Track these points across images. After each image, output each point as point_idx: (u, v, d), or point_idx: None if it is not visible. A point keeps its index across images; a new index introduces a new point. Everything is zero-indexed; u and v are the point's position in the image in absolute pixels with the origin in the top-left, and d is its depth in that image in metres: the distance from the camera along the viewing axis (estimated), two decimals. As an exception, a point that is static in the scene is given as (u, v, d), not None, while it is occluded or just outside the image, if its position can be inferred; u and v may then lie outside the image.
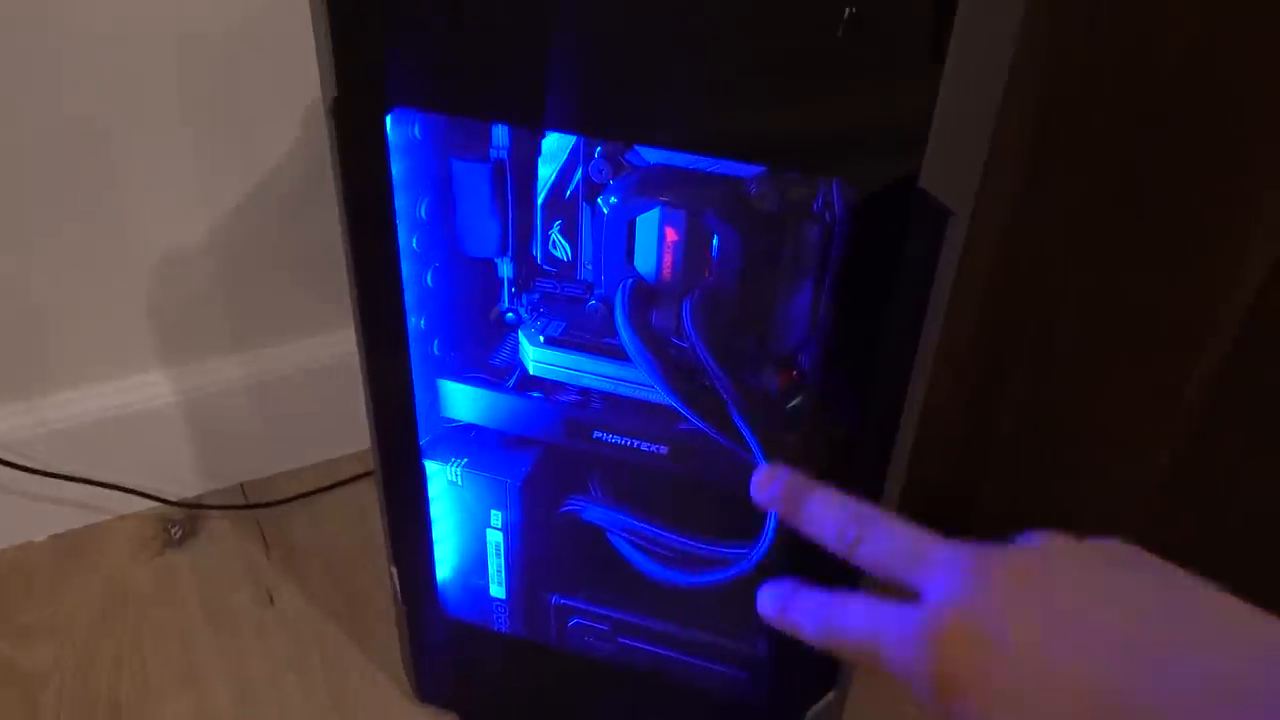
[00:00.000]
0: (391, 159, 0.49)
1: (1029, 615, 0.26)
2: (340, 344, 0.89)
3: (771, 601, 0.35)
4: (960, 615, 0.27)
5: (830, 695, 0.59)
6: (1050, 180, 0.63)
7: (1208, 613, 0.24)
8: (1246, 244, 0.55)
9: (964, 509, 0.75)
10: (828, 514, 0.35)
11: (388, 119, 0.47)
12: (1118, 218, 0.60)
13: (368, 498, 0.91)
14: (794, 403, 0.55)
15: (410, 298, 0.53)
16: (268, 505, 0.89)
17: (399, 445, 0.59)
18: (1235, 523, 0.64)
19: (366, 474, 0.92)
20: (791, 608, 0.34)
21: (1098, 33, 0.57)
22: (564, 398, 0.58)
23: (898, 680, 0.29)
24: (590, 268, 0.56)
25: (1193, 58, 0.53)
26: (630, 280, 0.52)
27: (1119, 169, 0.59)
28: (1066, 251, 0.65)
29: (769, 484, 0.37)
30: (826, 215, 0.50)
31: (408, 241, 0.53)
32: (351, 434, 0.93)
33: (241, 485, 0.92)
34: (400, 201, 0.50)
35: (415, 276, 0.54)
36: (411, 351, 0.55)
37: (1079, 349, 0.67)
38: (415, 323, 0.55)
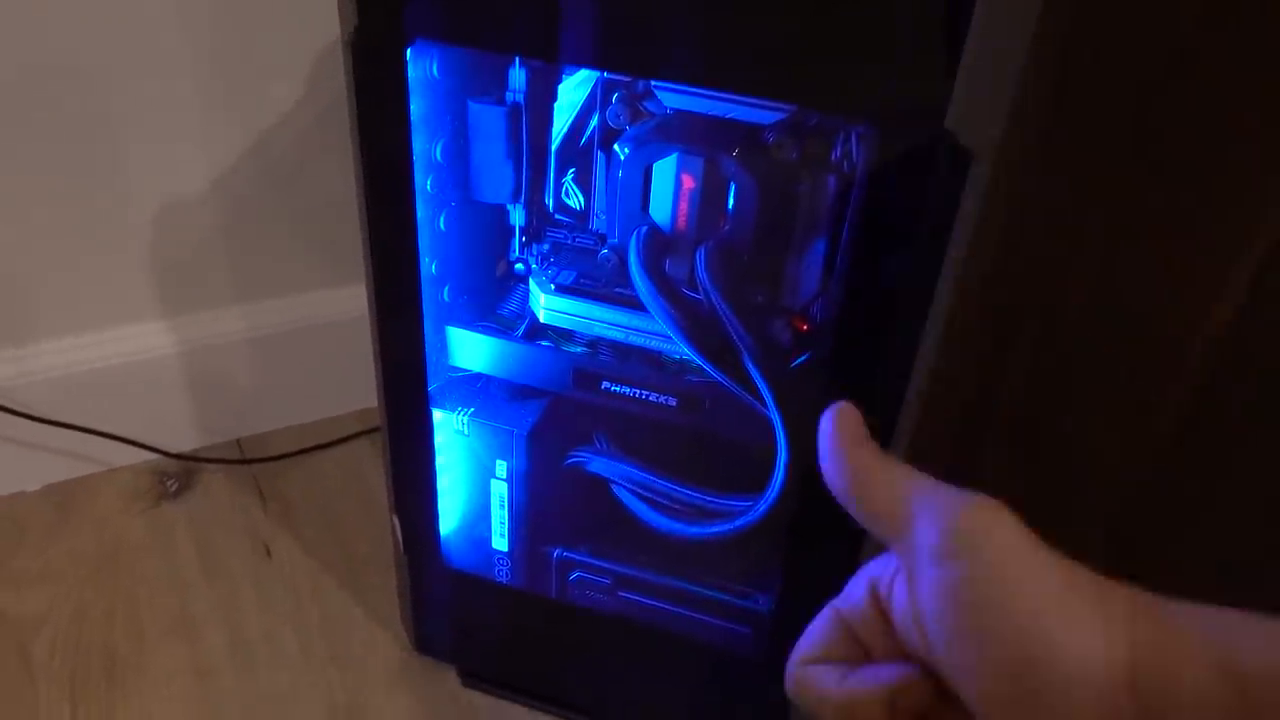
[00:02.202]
0: (410, 97, 0.48)
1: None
2: (342, 300, 0.89)
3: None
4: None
5: (831, 650, 0.60)
6: (1063, 143, 0.63)
7: None
8: (1260, 207, 0.56)
9: (963, 477, 0.76)
10: None
11: (408, 53, 0.46)
12: (1131, 180, 0.61)
13: (365, 456, 0.91)
14: (804, 357, 0.55)
15: (423, 241, 0.53)
16: (265, 460, 0.89)
17: (407, 391, 0.59)
18: (1235, 491, 0.65)
19: (364, 432, 0.92)
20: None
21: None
22: (573, 348, 0.58)
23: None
24: (603, 218, 0.56)
25: (1208, 21, 0.54)
26: (645, 227, 0.52)
27: (1134, 128, 0.59)
28: (1076, 220, 0.65)
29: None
30: (845, 165, 0.50)
31: (422, 183, 0.52)
32: (350, 392, 0.93)
33: (238, 441, 0.92)
34: (416, 142, 0.50)
35: (428, 219, 0.54)
36: (423, 296, 0.55)
37: (1084, 318, 0.67)
38: (427, 266, 0.55)
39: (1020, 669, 0.24)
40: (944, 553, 0.26)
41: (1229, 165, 0.56)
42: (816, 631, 0.32)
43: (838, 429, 0.31)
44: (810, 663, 0.31)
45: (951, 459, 0.76)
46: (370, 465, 0.90)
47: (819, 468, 0.31)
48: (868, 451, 0.30)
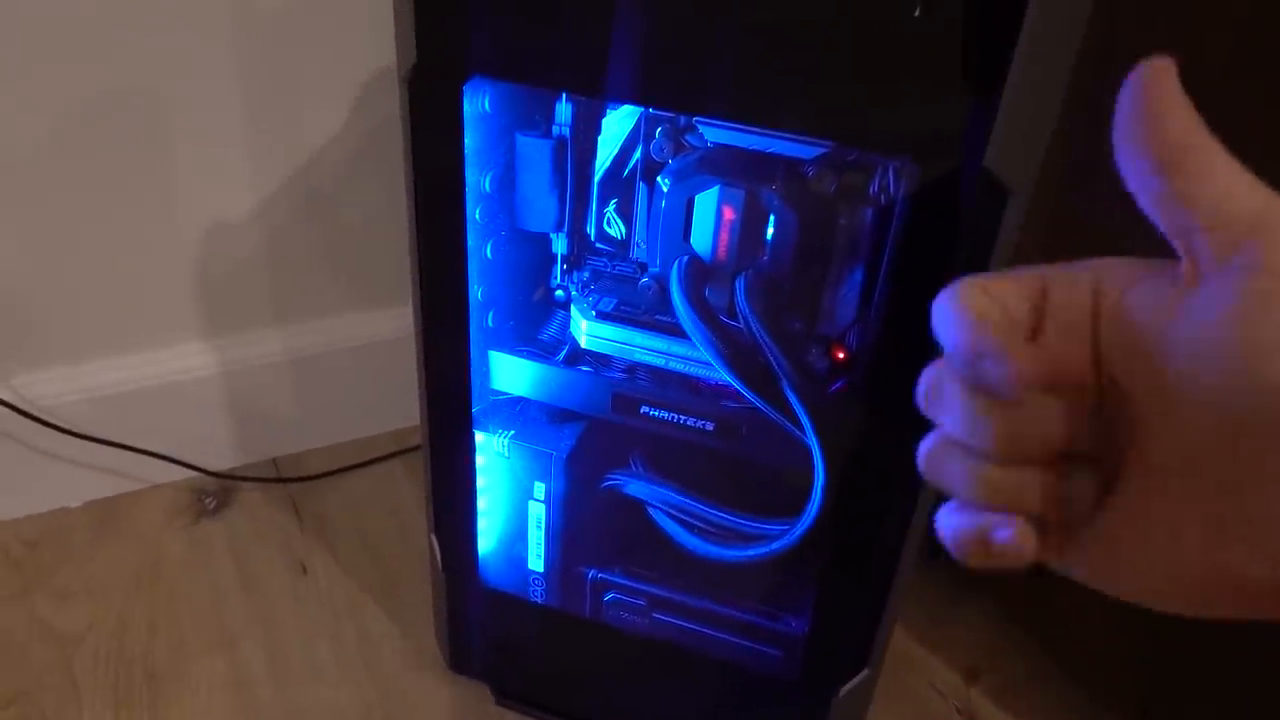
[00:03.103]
0: (464, 131, 0.50)
1: None
2: (378, 323, 0.91)
3: None
4: None
5: (863, 674, 0.61)
6: (1099, 173, 0.64)
7: None
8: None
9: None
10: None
11: (463, 90, 0.48)
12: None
13: (400, 476, 0.92)
14: (841, 383, 0.56)
15: (471, 268, 0.55)
16: (301, 480, 0.91)
17: (451, 414, 0.60)
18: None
19: (399, 452, 0.93)
20: None
21: (1147, 30, 0.58)
22: (612, 373, 0.60)
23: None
24: (643, 247, 0.57)
25: (1241, 58, 0.55)
26: (686, 256, 0.54)
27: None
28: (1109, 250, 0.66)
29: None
30: (882, 198, 0.51)
31: (472, 213, 0.54)
32: (385, 412, 0.94)
33: (274, 460, 0.93)
34: (468, 174, 0.52)
35: (476, 248, 0.56)
36: (469, 322, 0.56)
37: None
38: (474, 292, 0.56)
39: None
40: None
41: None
42: (1014, 276, 0.26)
43: (1157, 83, 0.24)
44: (990, 290, 0.26)
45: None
46: (405, 485, 0.91)
47: (1117, 135, 0.25)
48: (1196, 121, 0.24)
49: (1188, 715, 0.69)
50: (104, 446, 0.84)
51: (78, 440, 0.83)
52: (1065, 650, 0.76)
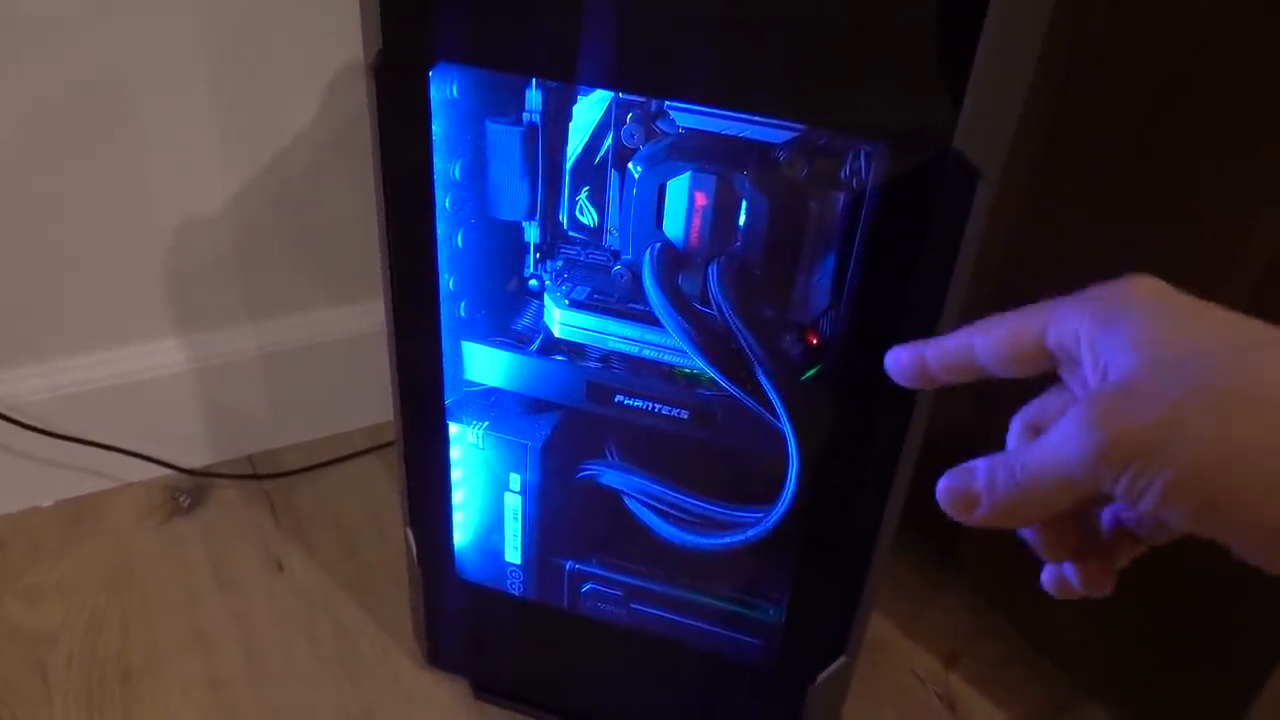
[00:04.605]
0: (431, 118, 0.49)
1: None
2: (354, 317, 0.90)
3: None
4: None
5: (840, 660, 0.61)
6: (1066, 161, 0.64)
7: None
8: (1248, 231, 0.57)
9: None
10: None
11: (430, 76, 0.48)
12: (1128, 198, 0.62)
13: (376, 471, 0.91)
14: (813, 370, 0.56)
15: (441, 258, 0.54)
16: (277, 476, 0.90)
17: (424, 405, 0.60)
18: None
19: (375, 447, 0.93)
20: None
21: (1117, 14, 0.58)
22: (587, 362, 0.59)
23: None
24: (616, 235, 0.57)
25: (1209, 44, 0.55)
26: (658, 243, 0.53)
27: (1133, 149, 0.60)
28: (1077, 234, 0.66)
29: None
30: (854, 182, 0.51)
31: (441, 202, 0.54)
32: (361, 408, 0.94)
33: (249, 457, 0.93)
34: (436, 162, 0.51)
35: (446, 237, 0.55)
36: (440, 312, 0.56)
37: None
38: (445, 282, 0.56)
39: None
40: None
41: (1218, 186, 0.58)
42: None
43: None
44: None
45: (961, 451, 0.78)
46: (381, 480, 0.91)
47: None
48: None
49: (1165, 697, 0.69)
50: (75, 445, 0.83)
51: (49, 438, 0.82)
52: (1044, 634, 0.77)
